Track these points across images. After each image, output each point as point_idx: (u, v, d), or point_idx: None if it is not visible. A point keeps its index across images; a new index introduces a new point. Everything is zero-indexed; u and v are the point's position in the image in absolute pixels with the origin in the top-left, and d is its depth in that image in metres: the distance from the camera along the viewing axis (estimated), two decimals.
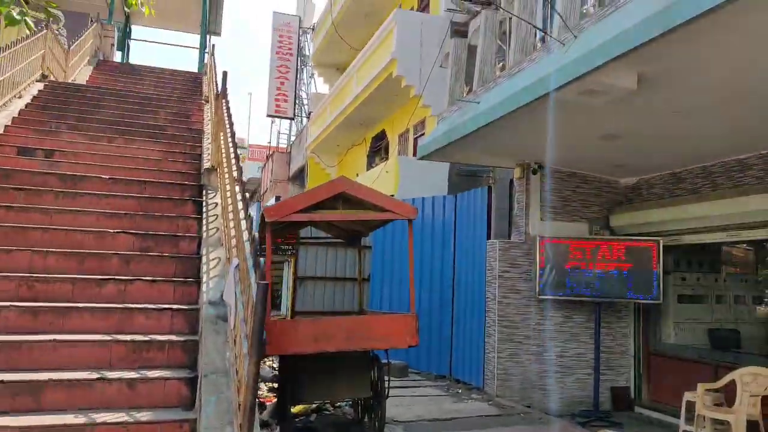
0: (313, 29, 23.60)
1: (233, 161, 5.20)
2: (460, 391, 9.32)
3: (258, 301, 3.22)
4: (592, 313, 9.11)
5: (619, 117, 6.82)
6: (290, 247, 9.21)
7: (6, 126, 8.90)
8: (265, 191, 25.44)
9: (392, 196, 11.96)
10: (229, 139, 5.77)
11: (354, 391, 6.39)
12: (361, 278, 9.16)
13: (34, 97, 10.52)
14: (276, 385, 7.92)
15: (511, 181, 9.98)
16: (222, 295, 4.84)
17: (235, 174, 4.98)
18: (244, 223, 4.17)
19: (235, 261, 4.44)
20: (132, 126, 10.07)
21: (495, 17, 7.94)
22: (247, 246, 3.90)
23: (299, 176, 22.41)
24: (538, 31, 7.25)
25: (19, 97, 10.20)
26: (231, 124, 6.17)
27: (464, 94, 8.53)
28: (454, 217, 10.51)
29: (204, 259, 5.73)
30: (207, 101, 12.25)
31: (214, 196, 7.07)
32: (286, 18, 23.12)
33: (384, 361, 6.62)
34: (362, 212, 6.02)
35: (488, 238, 9.59)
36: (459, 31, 8.98)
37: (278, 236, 7.93)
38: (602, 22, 5.69)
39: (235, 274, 4.32)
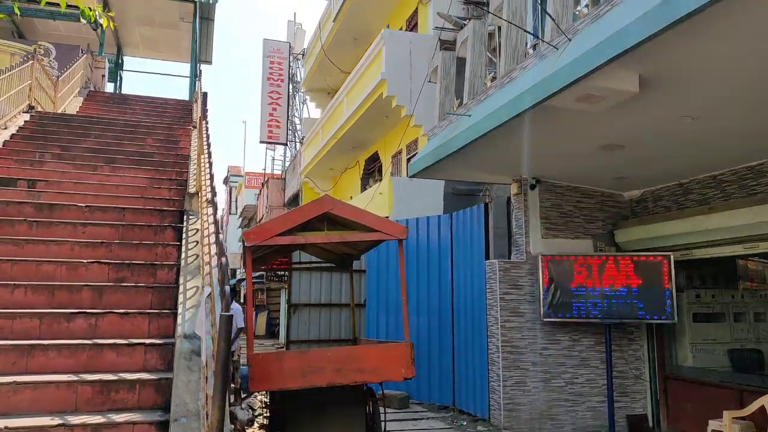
0: (303, 55, 23.47)
1: (206, 181, 4.79)
2: (465, 423, 8.77)
3: (221, 336, 2.77)
4: (602, 335, 8.61)
5: (620, 124, 6.45)
6: (284, 272, 8.79)
7: None
8: (261, 218, 25.04)
9: (387, 217, 11.56)
10: (205, 159, 5.37)
11: (347, 428, 5.87)
12: (355, 304, 8.70)
13: (19, 127, 10.23)
14: (257, 426, 7.42)
15: (509, 199, 9.58)
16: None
17: (207, 195, 4.57)
18: (213, 248, 3.74)
19: (207, 290, 4.01)
20: (118, 154, 9.84)
21: (483, 27, 7.61)
22: (215, 273, 3.46)
23: (294, 202, 22.05)
24: (529, 37, 6.91)
25: (5, 129, 9.90)
26: (209, 145, 5.79)
27: (454, 108, 8.17)
28: (451, 237, 10.07)
29: (181, 288, 5.29)
30: (195, 127, 12.00)
31: (195, 221, 6.65)
32: (277, 44, 22.97)
33: (379, 392, 6.13)
34: (348, 233, 5.59)
35: (487, 258, 9.14)
36: (446, 43, 8.69)
37: (264, 261, 7.50)
38: (597, 22, 5.34)
39: (207, 304, 3.88)
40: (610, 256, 8.54)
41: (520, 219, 8.94)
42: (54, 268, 5.54)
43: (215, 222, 4.12)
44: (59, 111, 12.69)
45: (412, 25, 15.47)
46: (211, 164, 5.33)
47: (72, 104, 13.67)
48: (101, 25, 15.14)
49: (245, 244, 5.33)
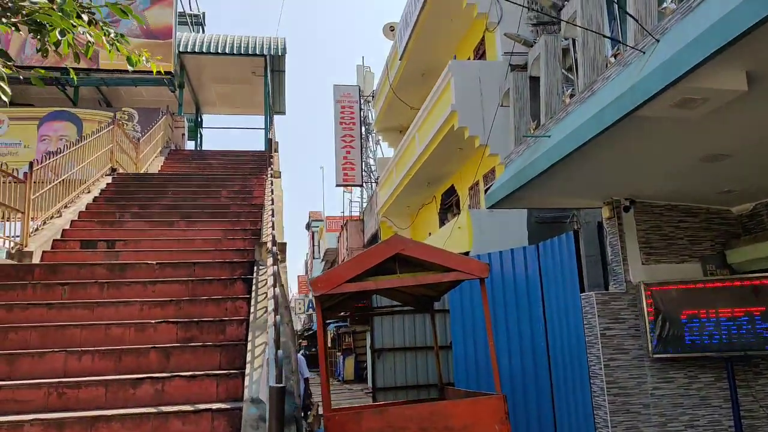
0: (373, 96, 23.50)
1: (268, 230, 4.43)
2: None
3: (272, 414, 2.28)
4: (723, 370, 7.51)
5: (724, 130, 5.62)
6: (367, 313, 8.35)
7: (73, 221, 8.90)
8: (343, 260, 24.95)
9: (467, 253, 10.94)
10: (268, 207, 5.03)
11: None
12: (440, 346, 8.05)
13: (102, 190, 10.52)
14: None
15: (600, 224, 8.74)
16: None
17: (270, 239, 4.19)
18: (270, 303, 3.30)
19: (270, 350, 3.56)
20: (194, 208, 9.94)
21: (556, 42, 7.00)
22: (271, 332, 3.01)
23: (373, 242, 21.77)
24: (608, 46, 6.25)
25: (88, 192, 10.20)
26: (272, 191, 5.46)
27: (531, 131, 7.55)
28: (539, 269, 9.26)
29: (249, 346, 4.90)
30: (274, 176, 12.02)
31: (266, 271, 6.32)
32: (346, 89, 23.12)
33: None
34: (423, 275, 5.05)
35: (582, 290, 8.28)
36: (517, 67, 8.13)
37: (340, 309, 7.05)
38: (690, 16, 4.63)
39: (271, 366, 3.42)
40: (724, 280, 7.50)
41: (615, 245, 8.08)
42: (122, 331, 5.32)
43: (273, 275, 3.70)
44: (141, 171, 13.06)
45: (479, 54, 15.03)
46: (273, 211, 4.98)
47: (154, 164, 14.07)
48: (177, 87, 15.64)
49: (313, 294, 4.90)
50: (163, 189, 10.84)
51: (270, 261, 4.02)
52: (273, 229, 4.93)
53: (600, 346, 7.65)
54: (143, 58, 4.06)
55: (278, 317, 2.98)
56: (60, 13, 3.19)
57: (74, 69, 15.28)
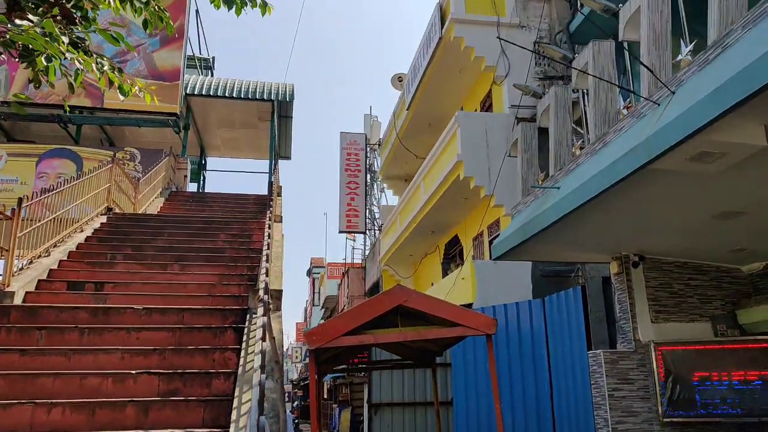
0: (379, 145, 23.51)
1: (262, 276, 4.14)
2: None
3: None
4: None
5: (740, 187, 5.40)
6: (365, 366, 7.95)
7: (61, 261, 8.60)
8: (343, 308, 24.46)
9: (470, 305, 10.59)
10: (265, 249, 4.75)
11: None
12: (441, 402, 7.63)
13: (95, 229, 10.25)
14: None
15: (605, 279, 8.48)
16: None
17: (263, 286, 3.89)
18: (257, 359, 2.99)
19: (253, 414, 3.23)
20: (190, 251, 9.63)
21: (566, 93, 6.85)
22: (255, 392, 2.69)
23: (375, 290, 21.37)
24: (620, 98, 6.08)
25: (80, 231, 9.91)
26: (269, 235, 5.20)
27: (540, 182, 7.32)
28: (545, 324, 8.96)
29: (235, 402, 4.54)
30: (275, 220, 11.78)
31: (257, 321, 5.98)
32: (353, 136, 23.18)
33: None
34: (426, 329, 4.73)
35: (589, 348, 7.92)
36: (524, 120, 7.99)
37: (337, 362, 6.67)
38: (707, 68, 4.46)
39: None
40: (735, 342, 7.16)
41: (624, 302, 7.76)
42: (99, 381, 4.96)
43: (263, 326, 3.40)
44: (140, 212, 12.82)
45: (486, 106, 15.00)
46: (267, 257, 4.70)
47: (153, 205, 13.85)
48: (182, 128, 15.58)
49: (308, 348, 4.58)
50: (160, 230, 10.52)
51: (261, 311, 3.72)
52: (266, 275, 4.63)
53: (608, 407, 7.27)
54: (136, 88, 3.86)
55: (263, 376, 2.68)
56: (45, 38, 3.01)
57: (78, 107, 15.49)
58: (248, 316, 6.30)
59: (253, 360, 5.12)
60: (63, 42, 3.23)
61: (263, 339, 3.40)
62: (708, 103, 4.09)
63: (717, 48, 4.36)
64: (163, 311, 6.43)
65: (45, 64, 3.20)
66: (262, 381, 2.68)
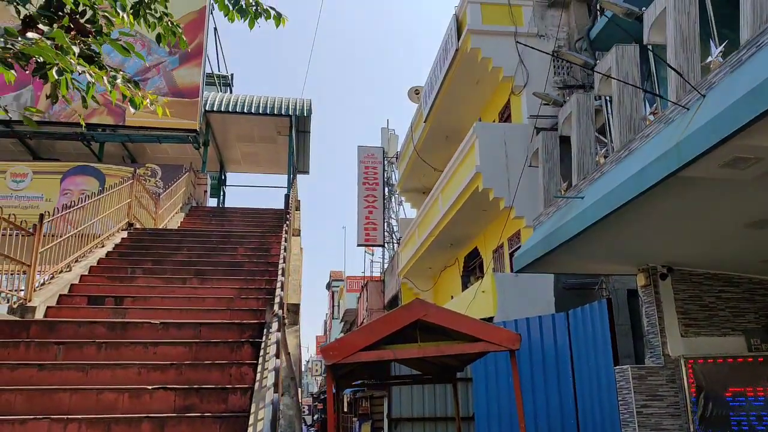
0: (396, 158, 23.42)
1: (278, 290, 3.99)
2: None
3: None
4: None
5: None
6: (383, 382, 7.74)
7: (82, 276, 8.58)
8: (362, 321, 24.27)
9: (491, 318, 10.35)
10: (281, 263, 4.61)
11: None
12: (462, 417, 7.39)
13: (116, 245, 10.24)
14: None
15: (630, 291, 8.21)
16: None
17: (278, 300, 3.74)
18: (270, 377, 2.83)
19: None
20: (209, 265, 9.59)
21: (588, 100, 6.66)
22: (268, 412, 2.53)
23: (394, 304, 21.17)
24: (646, 103, 5.88)
25: (101, 246, 9.91)
26: (285, 248, 5.06)
27: (562, 192, 7.12)
28: (569, 339, 8.68)
29: (251, 419, 4.37)
30: (293, 234, 11.70)
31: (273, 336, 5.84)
32: (370, 150, 23.12)
33: None
34: (447, 345, 4.54)
35: (615, 363, 7.63)
36: (544, 130, 7.80)
37: (355, 377, 6.48)
38: (740, 70, 4.25)
39: None
40: None
41: (652, 315, 7.47)
42: (116, 397, 4.84)
43: (276, 342, 3.24)
44: (161, 227, 12.82)
45: (504, 117, 14.82)
46: (282, 270, 4.56)
47: (173, 220, 13.86)
48: (201, 144, 15.64)
49: (325, 363, 4.41)
50: (179, 245, 10.50)
51: (275, 325, 3.58)
52: (282, 289, 4.48)
53: (636, 425, 6.99)
54: (148, 101, 3.77)
55: (276, 394, 2.52)
56: (55, 50, 2.92)
57: (101, 125, 15.62)
58: (265, 330, 6.16)
59: (267, 377, 4.97)
60: (74, 54, 3.14)
61: (277, 355, 3.25)
62: (742, 105, 3.88)
63: (751, 47, 4.15)
64: (180, 326, 6.32)
65: (56, 77, 3.11)
66: (275, 400, 2.53)
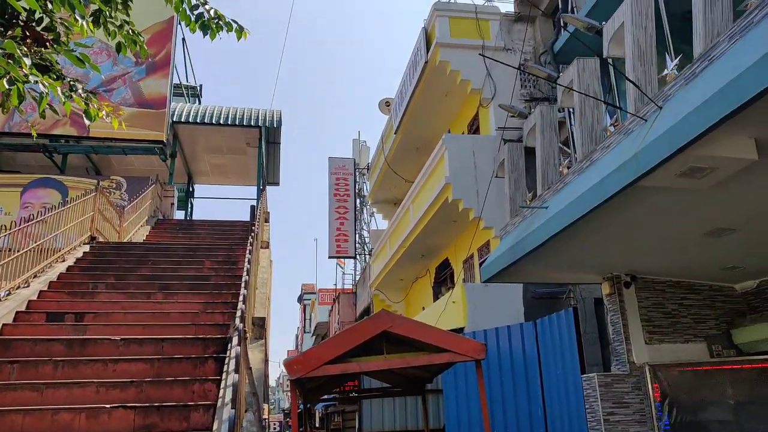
0: (368, 169, 23.43)
1: (240, 303, 3.93)
2: None
3: None
4: None
5: (730, 203, 5.30)
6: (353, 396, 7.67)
7: (41, 291, 8.35)
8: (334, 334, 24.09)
9: (462, 329, 10.38)
10: (244, 275, 4.56)
11: None
12: (431, 430, 7.37)
13: (78, 259, 10.00)
14: None
15: (597, 300, 8.30)
16: None
17: (239, 314, 3.69)
18: (228, 392, 2.78)
19: None
20: (175, 279, 9.43)
21: (551, 112, 6.77)
22: (224, 428, 2.48)
23: (366, 316, 21.07)
24: (606, 115, 5.99)
25: (62, 261, 9.66)
26: (248, 261, 5.00)
27: (528, 202, 7.20)
28: (537, 348, 8.76)
29: None
30: (261, 246, 11.59)
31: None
32: (342, 161, 23.09)
33: None
34: (413, 356, 4.53)
35: (582, 371, 7.71)
36: (511, 142, 7.90)
37: (323, 390, 6.42)
38: (694, 82, 4.37)
39: None
40: (733, 363, 6.98)
41: (617, 323, 7.58)
42: (72, 417, 4.70)
43: (236, 357, 3.19)
44: (125, 240, 12.58)
45: (473, 129, 14.96)
46: (246, 283, 4.51)
47: (139, 233, 13.63)
48: (168, 156, 15.42)
49: (289, 378, 4.35)
50: (144, 259, 10.31)
51: (235, 340, 3.52)
52: (243, 303, 4.42)
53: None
54: (104, 112, 3.69)
55: (233, 411, 2.47)
56: (6, 59, 2.85)
57: (64, 136, 15.28)
58: (230, 345, 6.07)
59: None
60: (25, 64, 3.07)
61: (236, 371, 3.19)
62: (696, 116, 3.98)
63: (704, 61, 4.27)
64: (142, 341, 6.18)
65: (7, 86, 3.03)
66: (231, 416, 2.47)
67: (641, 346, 7.46)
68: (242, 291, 4.65)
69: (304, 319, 41.12)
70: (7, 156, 16.60)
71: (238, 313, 4.17)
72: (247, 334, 3.98)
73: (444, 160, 12.65)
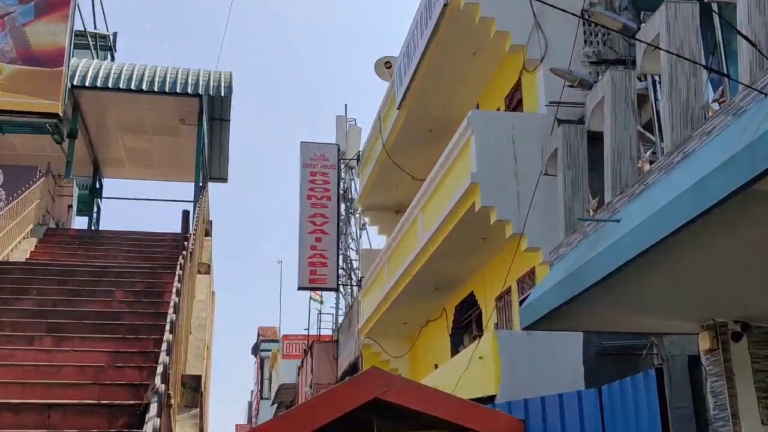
0: (358, 160, 23.47)
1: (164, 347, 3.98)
2: None
3: None
4: None
5: None
6: None
7: None
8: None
9: (492, 398, 10.46)
10: (170, 312, 4.60)
11: None
12: None
13: None
14: None
15: (691, 359, 8.42)
16: None
17: (161, 370, 3.71)
18: None
19: None
20: (70, 317, 9.73)
21: (627, 80, 6.89)
22: None
23: (351, 375, 21.19)
24: (710, 86, 6.11)
25: None
26: (177, 292, 5.08)
27: (591, 212, 7.34)
28: (602, 426, 8.86)
29: None
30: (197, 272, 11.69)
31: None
32: (320, 148, 23.03)
33: None
34: None
35: None
36: (567, 122, 8.08)
37: None
38: None
39: None
40: None
41: (720, 393, 7.73)
42: None
43: None
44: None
45: (514, 104, 15.17)
46: (172, 325, 4.56)
47: (20, 248, 13.80)
48: (66, 137, 15.49)
49: None
50: (26, 287, 10.61)
51: (154, 408, 3.53)
52: (168, 353, 4.47)
53: None
54: None
55: None
56: None
57: None
58: (146, 415, 6.15)
59: None
60: None
61: None
62: None
63: None
64: (18, 408, 6.25)
65: None
66: None
67: (756, 427, 7.54)
68: (167, 336, 4.67)
69: (261, 380, 41.32)
70: None
71: (160, 369, 4.17)
72: (173, 400, 3.96)
73: (469, 149, 12.79)
